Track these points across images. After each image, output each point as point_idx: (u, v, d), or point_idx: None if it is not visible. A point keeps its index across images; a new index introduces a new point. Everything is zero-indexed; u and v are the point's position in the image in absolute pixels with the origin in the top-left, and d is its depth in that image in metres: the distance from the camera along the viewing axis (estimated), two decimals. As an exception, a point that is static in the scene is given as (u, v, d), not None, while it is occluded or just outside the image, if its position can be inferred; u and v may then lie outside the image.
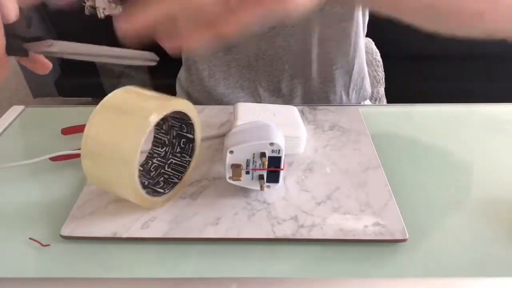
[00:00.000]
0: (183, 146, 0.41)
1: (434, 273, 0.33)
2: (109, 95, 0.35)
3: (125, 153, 0.32)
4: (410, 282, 0.32)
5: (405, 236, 0.35)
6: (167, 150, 0.41)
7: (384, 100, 0.76)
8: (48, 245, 0.35)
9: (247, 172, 0.37)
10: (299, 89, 0.66)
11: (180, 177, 0.40)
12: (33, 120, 0.55)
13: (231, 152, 0.36)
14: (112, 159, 0.33)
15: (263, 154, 0.36)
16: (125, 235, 0.35)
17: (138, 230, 0.36)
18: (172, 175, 0.40)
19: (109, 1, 1.55)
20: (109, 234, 0.36)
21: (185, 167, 0.41)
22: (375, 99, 0.76)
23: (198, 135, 0.40)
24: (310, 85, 0.66)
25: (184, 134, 0.40)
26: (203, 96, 0.70)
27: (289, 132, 0.43)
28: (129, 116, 0.33)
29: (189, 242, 0.35)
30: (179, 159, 0.41)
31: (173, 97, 0.37)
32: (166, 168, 0.41)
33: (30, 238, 0.36)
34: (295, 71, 0.65)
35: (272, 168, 0.37)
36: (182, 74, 0.76)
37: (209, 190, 0.41)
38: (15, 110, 0.56)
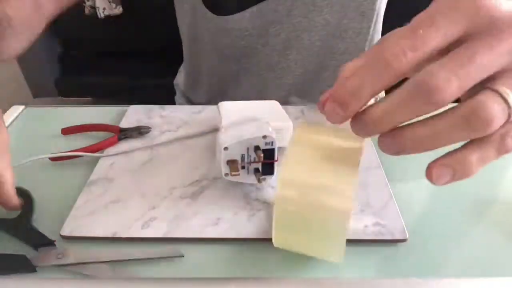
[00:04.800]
0: None
1: (434, 273, 0.33)
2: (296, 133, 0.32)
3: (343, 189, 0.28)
4: (410, 282, 0.32)
5: (405, 236, 0.35)
6: None
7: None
8: (54, 240, 0.35)
9: (243, 167, 0.37)
10: (307, 102, 0.65)
11: None
12: (33, 120, 0.55)
13: (226, 148, 0.36)
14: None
15: (257, 148, 0.36)
16: (125, 235, 0.35)
17: (138, 230, 0.36)
18: None
19: (109, 1, 1.55)
20: (109, 234, 0.36)
21: None
22: (375, 99, 0.76)
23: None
24: (318, 98, 0.66)
25: None
26: (205, 102, 0.69)
27: (275, 125, 0.43)
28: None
29: (189, 242, 0.35)
30: None
31: None
32: None
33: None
34: (305, 85, 0.65)
35: (267, 161, 0.37)
36: (180, 80, 0.75)
37: (209, 190, 0.40)
38: (15, 110, 0.56)
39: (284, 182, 0.30)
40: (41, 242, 0.35)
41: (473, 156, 0.23)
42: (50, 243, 0.35)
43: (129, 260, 0.34)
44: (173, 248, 0.34)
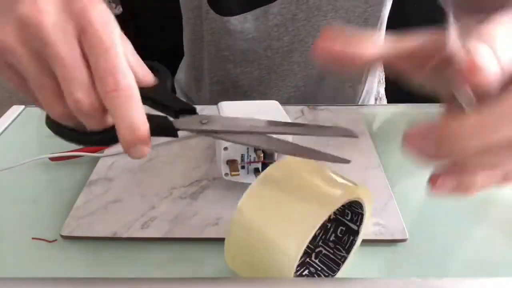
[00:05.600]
0: (340, 235, 0.32)
1: (434, 273, 0.33)
2: (269, 170, 0.28)
3: (288, 248, 0.25)
4: (410, 282, 0.32)
5: (405, 236, 0.35)
6: (317, 233, 0.32)
7: (384, 100, 0.76)
8: (55, 240, 0.35)
9: (243, 167, 0.37)
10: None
11: (329, 276, 0.32)
12: (33, 120, 0.55)
13: (226, 148, 0.36)
14: (270, 249, 0.26)
15: (257, 147, 0.36)
16: (125, 235, 0.35)
17: (138, 230, 0.36)
18: (320, 270, 0.32)
19: (109, 1, 1.55)
20: (109, 234, 0.36)
21: (338, 264, 0.32)
22: (375, 99, 0.76)
23: (365, 229, 0.31)
24: (319, 102, 0.66)
25: (346, 221, 0.32)
26: (204, 102, 0.69)
27: None
28: (299, 202, 0.26)
29: (189, 242, 0.35)
30: (331, 251, 0.33)
31: (346, 180, 0.29)
32: (313, 258, 0.33)
33: (33, 238, 0.36)
34: (307, 88, 0.65)
35: (267, 160, 0.37)
36: (181, 77, 0.76)
37: (209, 190, 0.40)
38: (15, 110, 0.56)
39: (239, 212, 0.27)
40: (182, 107, 0.29)
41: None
42: (192, 110, 0.29)
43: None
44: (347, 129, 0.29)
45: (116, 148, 0.47)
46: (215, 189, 0.41)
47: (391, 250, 0.35)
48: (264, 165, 0.38)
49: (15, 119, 0.54)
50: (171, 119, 0.28)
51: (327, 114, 0.53)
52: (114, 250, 0.35)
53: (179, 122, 0.28)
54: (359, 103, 0.68)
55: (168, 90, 0.31)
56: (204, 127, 0.28)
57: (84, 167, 0.44)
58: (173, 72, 0.78)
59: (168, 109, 0.29)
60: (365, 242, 0.35)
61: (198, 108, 0.57)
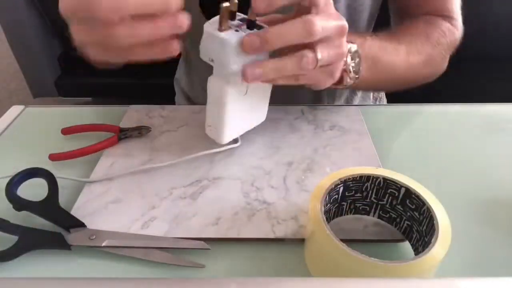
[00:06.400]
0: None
1: (434, 273, 0.33)
2: None
3: None
4: (410, 282, 0.32)
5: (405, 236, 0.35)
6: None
7: (384, 100, 0.76)
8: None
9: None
10: (306, 98, 0.65)
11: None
12: (33, 120, 0.55)
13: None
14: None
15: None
16: (125, 235, 0.35)
17: (138, 230, 0.36)
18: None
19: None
20: (109, 234, 0.36)
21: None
22: (375, 99, 0.76)
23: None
24: (318, 98, 0.66)
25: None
26: (204, 102, 0.69)
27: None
28: None
29: (189, 242, 0.35)
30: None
31: None
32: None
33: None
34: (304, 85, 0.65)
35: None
36: (180, 76, 0.76)
37: (209, 190, 0.41)
38: (15, 110, 0.56)
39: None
40: (72, 223, 0.36)
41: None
42: (80, 224, 0.36)
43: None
44: (201, 243, 0.34)
45: (116, 148, 0.47)
46: (215, 189, 0.41)
47: (391, 250, 0.35)
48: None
49: (15, 119, 0.54)
50: (63, 233, 0.35)
51: (327, 114, 0.53)
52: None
53: (71, 236, 0.35)
54: (357, 103, 0.68)
55: (58, 204, 0.38)
56: (92, 243, 0.34)
57: (84, 167, 0.44)
58: (174, 73, 0.78)
59: (59, 222, 0.36)
60: (365, 242, 0.35)
61: (199, 108, 0.57)
